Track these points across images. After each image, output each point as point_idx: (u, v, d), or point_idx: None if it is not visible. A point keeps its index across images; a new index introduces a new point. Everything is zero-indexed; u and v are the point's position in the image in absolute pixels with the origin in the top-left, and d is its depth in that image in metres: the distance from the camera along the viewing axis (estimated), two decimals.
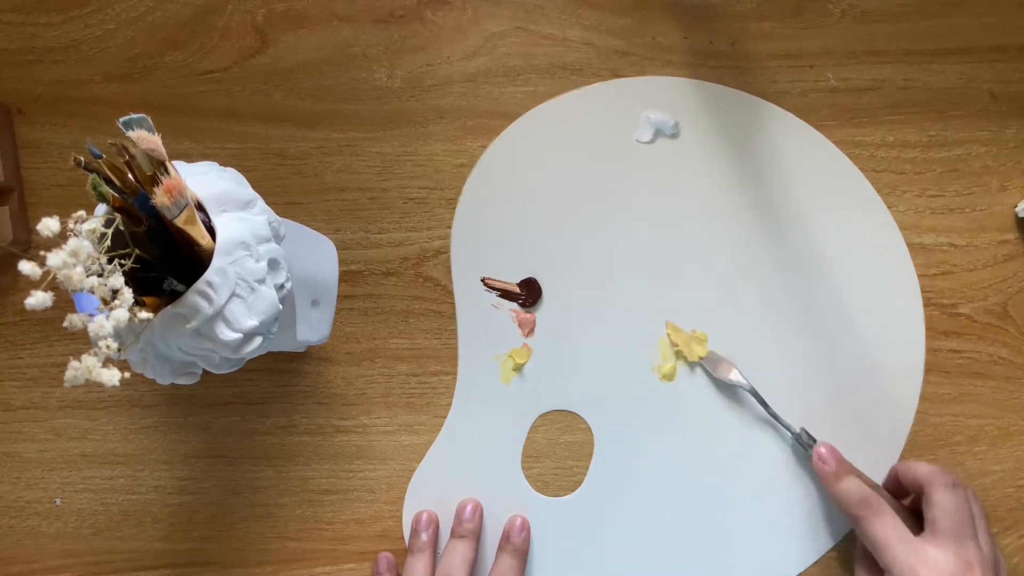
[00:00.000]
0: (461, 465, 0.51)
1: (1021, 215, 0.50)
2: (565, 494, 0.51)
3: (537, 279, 0.51)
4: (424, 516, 0.50)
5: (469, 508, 0.50)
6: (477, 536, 0.49)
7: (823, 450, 0.47)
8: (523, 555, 0.50)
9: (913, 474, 0.46)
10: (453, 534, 0.49)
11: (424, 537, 0.49)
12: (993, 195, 0.51)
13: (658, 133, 0.51)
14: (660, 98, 0.51)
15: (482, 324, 0.51)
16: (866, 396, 0.50)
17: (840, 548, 0.50)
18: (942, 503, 0.43)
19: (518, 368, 0.51)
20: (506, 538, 0.50)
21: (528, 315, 0.51)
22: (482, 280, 0.51)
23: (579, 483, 0.51)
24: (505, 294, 0.51)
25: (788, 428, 0.48)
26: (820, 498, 0.50)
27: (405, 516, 0.51)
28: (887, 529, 0.43)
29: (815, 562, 0.50)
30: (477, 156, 0.52)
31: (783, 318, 0.51)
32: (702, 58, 0.51)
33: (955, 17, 0.51)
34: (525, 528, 0.50)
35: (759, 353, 0.50)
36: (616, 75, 0.51)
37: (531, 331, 0.51)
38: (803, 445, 0.48)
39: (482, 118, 0.51)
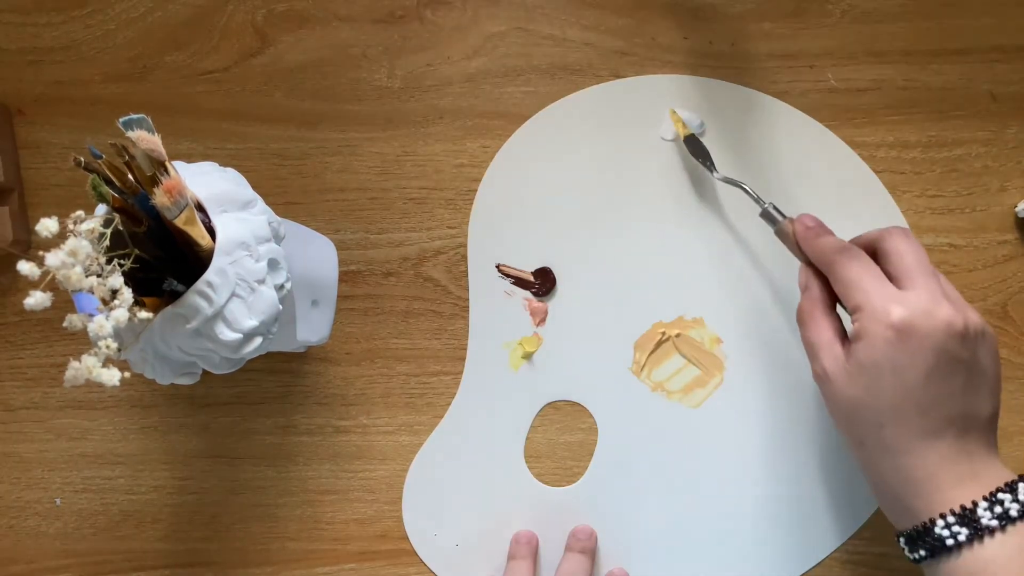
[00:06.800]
0: (464, 448, 0.51)
1: (1021, 215, 0.50)
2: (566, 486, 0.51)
3: (552, 269, 0.51)
4: (526, 531, 0.50)
5: (588, 529, 0.50)
6: (593, 556, 0.50)
7: (808, 218, 0.45)
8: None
9: (863, 240, 0.44)
10: (571, 549, 0.49)
11: (527, 545, 0.50)
12: (993, 195, 0.51)
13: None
14: (685, 97, 0.51)
15: (494, 311, 0.51)
16: None
17: (843, 550, 0.50)
18: (899, 248, 0.41)
19: (527, 356, 0.51)
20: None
21: (541, 304, 0.51)
22: (497, 266, 0.51)
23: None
24: (519, 282, 0.51)
25: (758, 201, 0.46)
26: (823, 498, 0.50)
27: (406, 501, 0.51)
28: (862, 270, 0.41)
29: (818, 563, 0.50)
30: (477, 156, 0.52)
31: (795, 320, 0.50)
32: (702, 58, 0.51)
33: (955, 17, 0.51)
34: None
35: (770, 353, 0.51)
36: (616, 75, 0.51)
37: (543, 320, 0.51)
38: (772, 221, 0.46)
39: (482, 118, 0.51)
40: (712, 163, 0.49)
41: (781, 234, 0.46)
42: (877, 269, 0.41)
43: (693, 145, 0.50)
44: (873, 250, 0.43)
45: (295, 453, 0.52)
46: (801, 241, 0.44)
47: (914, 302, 0.39)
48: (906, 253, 0.41)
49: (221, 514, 0.52)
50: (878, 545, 0.50)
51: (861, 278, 0.40)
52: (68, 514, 0.52)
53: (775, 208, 0.46)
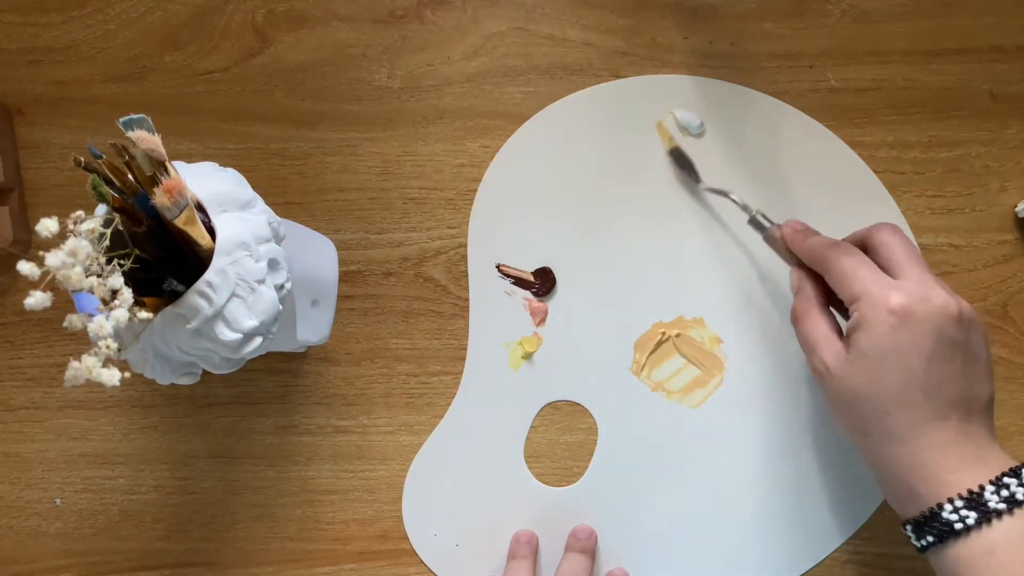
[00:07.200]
0: (464, 448, 0.51)
1: (1021, 215, 0.50)
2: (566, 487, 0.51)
3: (552, 269, 0.51)
4: (526, 531, 0.50)
5: (588, 528, 0.50)
6: (593, 556, 0.50)
7: (795, 222, 0.46)
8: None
9: (854, 238, 0.45)
10: (571, 548, 0.50)
11: (527, 545, 0.50)
12: (993, 195, 0.51)
13: (683, 131, 0.51)
14: (685, 97, 0.51)
15: (494, 311, 0.51)
16: None
17: (843, 550, 0.50)
18: (888, 241, 0.42)
19: (527, 356, 0.51)
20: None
21: (541, 304, 0.51)
22: (497, 266, 0.51)
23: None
24: (519, 282, 0.51)
25: (745, 209, 0.47)
26: (824, 498, 0.50)
27: (406, 501, 0.51)
28: (856, 262, 0.42)
29: (818, 563, 0.50)
30: (477, 156, 0.52)
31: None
32: (702, 58, 0.51)
33: (955, 17, 0.51)
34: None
35: (770, 354, 0.50)
36: (616, 75, 0.51)
37: (543, 320, 0.51)
38: (760, 228, 0.47)
39: (482, 118, 0.51)
40: (697, 174, 0.50)
41: (770, 240, 0.47)
42: (870, 261, 0.42)
43: (677, 157, 0.50)
44: (863, 246, 0.44)
45: (295, 453, 0.52)
46: (791, 243, 0.45)
47: (910, 288, 0.40)
48: (895, 245, 0.42)
49: (221, 514, 0.52)
50: (878, 545, 0.50)
51: (856, 269, 0.41)
52: (68, 514, 0.52)
53: (762, 215, 0.47)
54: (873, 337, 0.40)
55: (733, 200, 0.48)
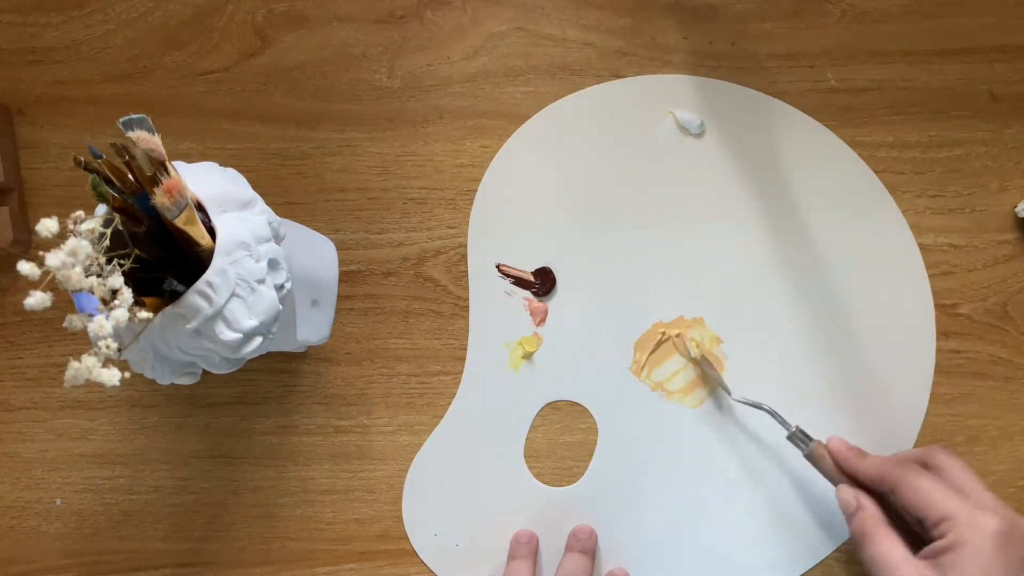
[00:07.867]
0: (464, 448, 0.51)
1: (1021, 215, 0.50)
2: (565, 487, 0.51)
3: (552, 269, 0.51)
4: (526, 531, 0.50)
5: (588, 528, 0.50)
6: (593, 556, 0.50)
7: (839, 440, 0.46)
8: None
9: (910, 457, 0.45)
10: (571, 549, 0.49)
11: (527, 545, 0.50)
12: (993, 195, 0.51)
13: (683, 131, 0.51)
14: (685, 97, 0.51)
15: (494, 311, 0.51)
16: (874, 399, 0.50)
17: (842, 550, 0.50)
18: (949, 463, 0.42)
19: (527, 356, 0.51)
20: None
21: (541, 304, 0.51)
22: (497, 266, 0.51)
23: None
24: (519, 282, 0.51)
25: (784, 425, 0.48)
26: (824, 498, 0.50)
27: (406, 501, 0.51)
28: (934, 482, 0.41)
29: (818, 563, 0.50)
30: (477, 156, 0.52)
31: (795, 320, 0.51)
32: (702, 58, 0.51)
33: (955, 17, 0.51)
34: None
35: (770, 354, 0.50)
36: (616, 75, 0.51)
37: (543, 320, 0.51)
38: (801, 444, 0.47)
39: (482, 118, 0.51)
40: (725, 387, 0.49)
41: (813, 457, 0.46)
42: (943, 481, 0.42)
43: (707, 367, 0.50)
44: (922, 464, 0.44)
45: (295, 453, 0.52)
46: (843, 462, 0.45)
47: (997, 510, 0.40)
48: (956, 466, 0.42)
49: (221, 514, 0.52)
50: None
51: (934, 489, 0.41)
52: (68, 514, 0.52)
53: (802, 432, 0.47)
54: (978, 559, 0.39)
55: (769, 414, 0.48)
